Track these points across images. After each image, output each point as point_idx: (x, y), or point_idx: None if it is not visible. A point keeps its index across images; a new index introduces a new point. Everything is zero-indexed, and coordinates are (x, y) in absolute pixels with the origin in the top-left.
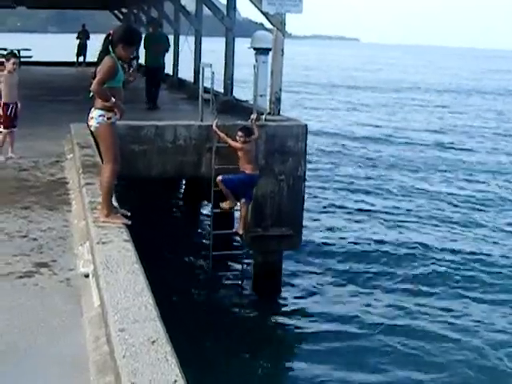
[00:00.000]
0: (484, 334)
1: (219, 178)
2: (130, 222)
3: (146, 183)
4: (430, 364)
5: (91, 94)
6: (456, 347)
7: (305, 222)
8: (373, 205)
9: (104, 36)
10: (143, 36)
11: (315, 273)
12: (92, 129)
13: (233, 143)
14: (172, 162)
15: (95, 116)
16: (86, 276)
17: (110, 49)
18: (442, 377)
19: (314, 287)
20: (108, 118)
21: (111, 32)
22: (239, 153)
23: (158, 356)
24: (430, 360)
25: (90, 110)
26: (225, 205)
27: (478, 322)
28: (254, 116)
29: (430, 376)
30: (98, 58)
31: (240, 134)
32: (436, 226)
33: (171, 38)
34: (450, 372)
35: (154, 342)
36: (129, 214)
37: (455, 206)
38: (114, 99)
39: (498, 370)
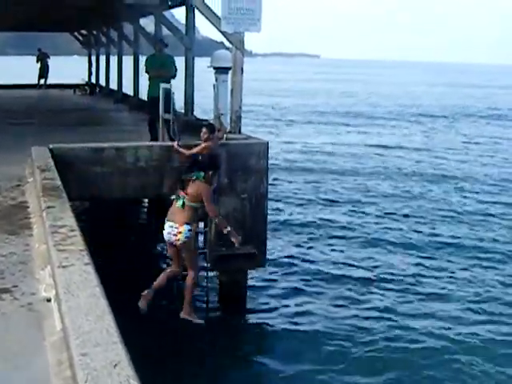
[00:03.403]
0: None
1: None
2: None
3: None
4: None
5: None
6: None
7: (269, 240)
8: (339, 221)
9: (64, 58)
10: (146, 58)
11: (281, 291)
12: (179, 243)
13: (196, 149)
14: (133, 183)
15: (184, 231)
16: (48, 300)
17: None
18: None
19: (280, 305)
20: (192, 231)
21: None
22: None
23: (120, 379)
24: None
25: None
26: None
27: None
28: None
29: None
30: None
31: (204, 130)
32: (409, 248)
33: (130, 58)
34: None
35: (116, 365)
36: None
37: (428, 223)
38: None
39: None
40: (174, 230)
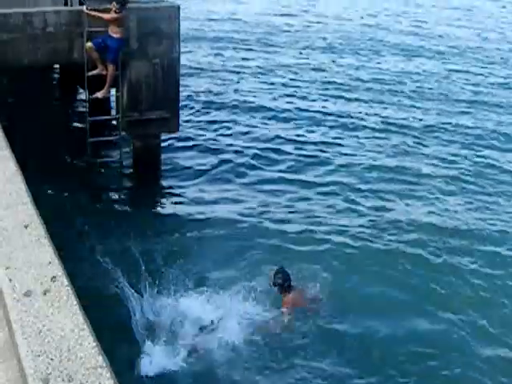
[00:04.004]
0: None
1: (89, 44)
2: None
3: (19, 72)
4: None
5: None
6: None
7: (182, 105)
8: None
9: None
10: None
11: (194, 154)
12: None
13: (107, 16)
14: (43, 49)
15: None
16: None
17: None
18: None
19: (194, 168)
20: None
21: None
22: (111, 24)
23: (32, 239)
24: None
25: None
26: (99, 94)
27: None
28: None
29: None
30: None
31: (115, 3)
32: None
33: None
34: None
35: (27, 226)
36: None
37: None
38: None
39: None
40: None
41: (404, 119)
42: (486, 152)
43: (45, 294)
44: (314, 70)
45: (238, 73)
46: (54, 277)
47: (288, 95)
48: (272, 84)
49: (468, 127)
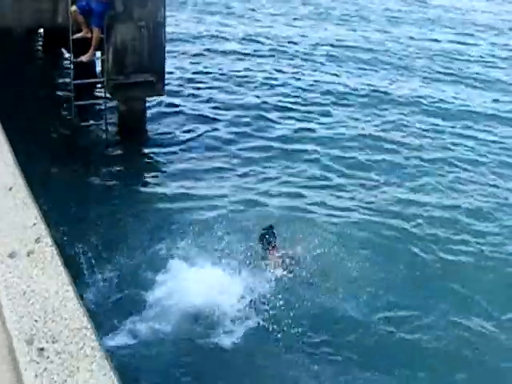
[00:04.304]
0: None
1: (73, 7)
2: None
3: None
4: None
5: None
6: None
7: (168, 69)
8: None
9: None
10: None
11: (180, 119)
12: None
13: None
14: (28, 9)
15: None
16: None
17: None
18: None
19: (180, 135)
20: None
21: None
22: None
23: (16, 201)
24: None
25: None
26: (84, 57)
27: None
28: None
29: None
30: None
31: None
32: None
33: None
34: None
35: (11, 188)
36: None
37: None
38: None
39: None
40: None
41: (392, 90)
42: (475, 124)
43: (29, 255)
44: (302, 36)
45: (226, 39)
46: (39, 238)
47: (276, 64)
48: (259, 51)
49: (457, 99)
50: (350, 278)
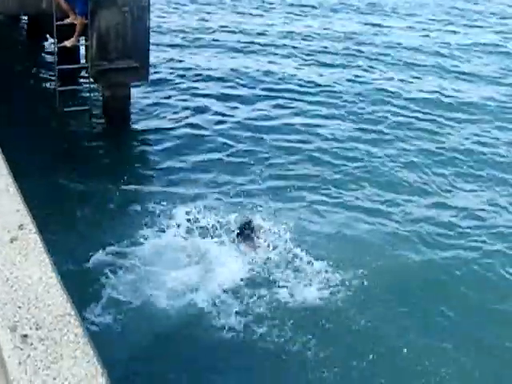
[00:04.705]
0: None
1: None
2: None
3: None
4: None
5: None
6: None
7: (153, 55)
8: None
9: None
10: None
11: (164, 105)
12: None
13: None
14: None
15: None
16: None
17: None
18: None
19: (165, 119)
20: None
21: None
22: None
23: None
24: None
25: None
26: (67, 43)
27: None
28: None
29: None
30: None
31: None
32: None
33: None
34: None
35: None
36: None
37: None
38: None
39: None
40: None
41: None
42: (470, 116)
43: (12, 241)
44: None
45: (214, 31)
46: (22, 225)
47: (265, 57)
48: (250, 44)
49: (458, 93)
50: (348, 275)
